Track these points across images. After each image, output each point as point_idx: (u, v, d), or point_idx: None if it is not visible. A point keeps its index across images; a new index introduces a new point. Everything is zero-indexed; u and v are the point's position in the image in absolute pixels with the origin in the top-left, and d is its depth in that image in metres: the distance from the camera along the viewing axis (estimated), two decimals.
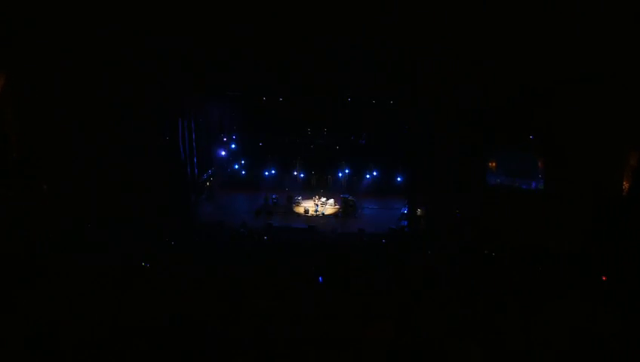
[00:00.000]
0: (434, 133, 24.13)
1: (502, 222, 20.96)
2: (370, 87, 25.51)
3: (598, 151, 19.03)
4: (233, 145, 30.55)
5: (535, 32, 18.10)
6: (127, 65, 20.59)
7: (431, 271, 12.09)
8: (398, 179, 28.82)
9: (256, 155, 29.99)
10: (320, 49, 21.67)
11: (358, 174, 29.54)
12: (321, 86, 25.47)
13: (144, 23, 19.35)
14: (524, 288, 9.13)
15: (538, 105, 21.52)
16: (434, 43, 19.92)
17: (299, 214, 27.23)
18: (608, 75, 17.98)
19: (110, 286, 7.27)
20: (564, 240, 19.13)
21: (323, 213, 27.01)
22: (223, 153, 30.38)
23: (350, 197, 27.59)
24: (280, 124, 28.91)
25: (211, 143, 29.68)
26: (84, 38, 19.34)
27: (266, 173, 29.71)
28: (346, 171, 29.45)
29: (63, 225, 14.83)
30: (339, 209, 27.66)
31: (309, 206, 27.51)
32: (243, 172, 30.29)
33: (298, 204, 28.21)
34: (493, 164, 24.98)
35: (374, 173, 29.30)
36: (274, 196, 27.99)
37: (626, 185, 18.64)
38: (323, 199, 28.05)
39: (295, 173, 29.95)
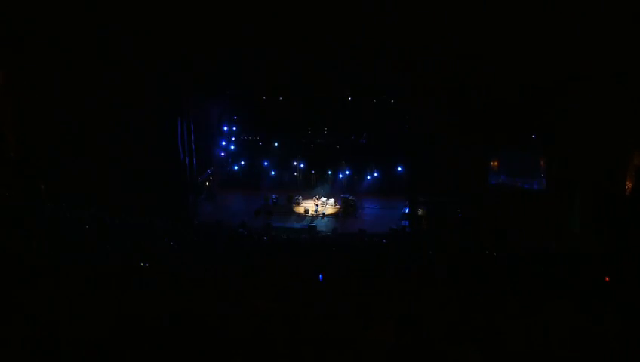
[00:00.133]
0: (435, 132, 24.13)
1: (503, 222, 20.94)
2: (370, 87, 25.53)
3: (601, 151, 19.00)
4: (232, 146, 30.53)
5: (537, 32, 18.10)
6: (126, 65, 20.61)
7: (431, 271, 12.09)
8: (399, 178, 28.75)
9: (255, 155, 29.95)
10: (320, 49, 21.68)
11: (358, 174, 29.49)
12: (321, 86, 25.49)
13: (144, 23, 19.37)
14: (524, 288, 9.11)
15: (540, 104, 21.51)
16: (434, 43, 19.93)
17: (299, 214, 27.21)
18: (611, 75, 17.98)
19: (110, 286, 7.26)
20: (566, 240, 19.12)
21: (323, 213, 26.98)
22: (223, 153, 30.38)
23: (351, 197, 27.57)
24: (280, 123, 28.87)
25: (210, 143, 29.66)
26: (84, 38, 19.36)
27: (266, 173, 29.68)
28: (347, 171, 29.42)
29: (62, 225, 14.82)
30: (339, 209, 27.63)
31: (309, 206, 27.48)
32: (242, 171, 30.25)
33: (298, 203, 28.17)
34: (495, 164, 24.98)
35: (375, 174, 29.25)
36: (274, 196, 27.95)
37: (629, 184, 18.62)
38: (323, 199, 28.01)
39: (295, 173, 29.92)
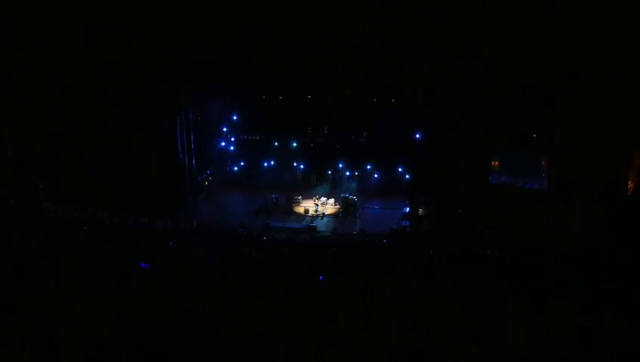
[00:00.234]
0: (435, 132, 24.13)
1: (504, 222, 20.94)
2: (370, 87, 25.53)
3: (602, 150, 18.99)
4: (232, 145, 30.52)
5: (537, 32, 18.10)
6: (126, 65, 20.61)
7: (431, 271, 12.07)
8: (399, 178, 28.74)
9: (255, 155, 29.93)
10: (320, 49, 21.68)
11: (358, 174, 29.48)
12: (321, 86, 25.49)
13: (144, 23, 19.37)
14: (524, 288, 9.10)
15: (541, 104, 21.50)
16: (434, 43, 19.93)
17: (299, 214, 27.19)
18: (611, 75, 17.98)
19: (110, 287, 7.25)
20: (567, 239, 19.11)
21: (323, 213, 26.96)
22: (222, 153, 30.38)
23: (351, 197, 27.55)
24: (280, 123, 28.86)
25: (210, 143, 29.66)
26: (84, 38, 19.36)
27: (266, 173, 29.66)
28: (346, 171, 29.40)
29: (62, 225, 14.82)
30: (339, 209, 27.61)
31: (309, 206, 27.46)
32: (241, 171, 30.23)
33: (298, 203, 28.15)
34: (497, 163, 24.97)
35: (375, 174, 29.24)
36: (273, 196, 27.93)
37: (631, 184, 18.62)
38: (323, 199, 27.99)
39: (295, 173, 29.91)
